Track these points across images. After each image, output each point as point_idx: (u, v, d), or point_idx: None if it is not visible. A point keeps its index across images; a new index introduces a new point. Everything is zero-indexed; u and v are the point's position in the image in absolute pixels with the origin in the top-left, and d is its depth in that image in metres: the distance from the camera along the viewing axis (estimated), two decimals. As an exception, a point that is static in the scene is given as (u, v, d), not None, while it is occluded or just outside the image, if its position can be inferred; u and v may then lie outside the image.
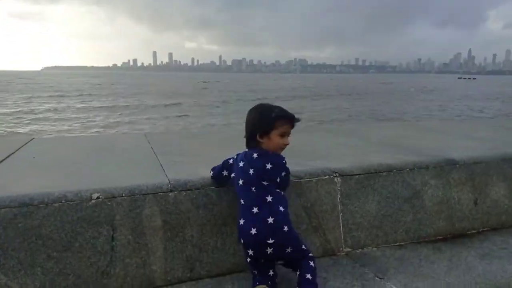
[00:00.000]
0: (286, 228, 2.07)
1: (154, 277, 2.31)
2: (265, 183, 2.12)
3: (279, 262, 2.17)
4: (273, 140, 2.18)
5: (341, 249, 2.73)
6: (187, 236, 2.38)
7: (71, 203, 2.17)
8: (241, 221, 2.11)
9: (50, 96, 43.30)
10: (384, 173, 2.90)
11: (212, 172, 2.45)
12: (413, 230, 2.94)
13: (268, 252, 2.05)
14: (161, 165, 2.83)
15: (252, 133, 2.20)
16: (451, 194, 3.08)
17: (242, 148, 2.31)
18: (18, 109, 29.24)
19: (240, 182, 2.18)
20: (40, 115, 26.39)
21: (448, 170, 3.09)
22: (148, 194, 2.31)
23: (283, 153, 2.29)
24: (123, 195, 2.26)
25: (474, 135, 4.58)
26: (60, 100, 38.05)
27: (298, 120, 2.26)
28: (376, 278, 2.38)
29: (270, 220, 2.04)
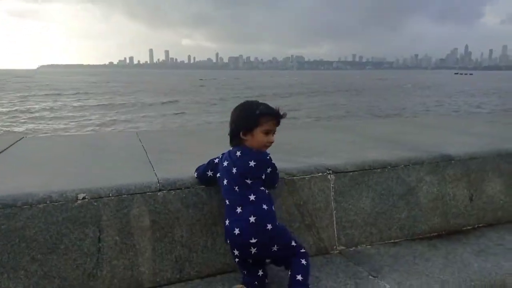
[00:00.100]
0: (269, 226, 2.00)
1: (142, 279, 2.26)
2: (248, 181, 2.07)
3: (267, 261, 2.10)
4: (256, 137, 2.11)
5: (334, 247, 2.68)
6: (176, 236, 2.32)
7: (56, 203, 2.11)
8: (227, 222, 2.07)
9: (46, 94, 43.07)
10: (379, 170, 2.85)
11: (196, 173, 2.39)
12: (408, 227, 2.89)
13: (252, 252, 2.00)
14: (151, 163, 2.77)
15: (235, 130, 2.15)
16: (446, 190, 3.04)
17: None
18: (14, 108, 29.08)
19: (225, 182, 2.13)
20: (36, 114, 26.25)
21: (444, 166, 3.05)
22: (136, 193, 2.25)
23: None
24: (110, 195, 2.20)
25: (470, 130, 4.54)
26: (56, 99, 37.86)
27: (283, 116, 2.18)
28: (370, 277, 2.33)
29: (252, 219, 1.99)
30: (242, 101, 2.27)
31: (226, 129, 2.22)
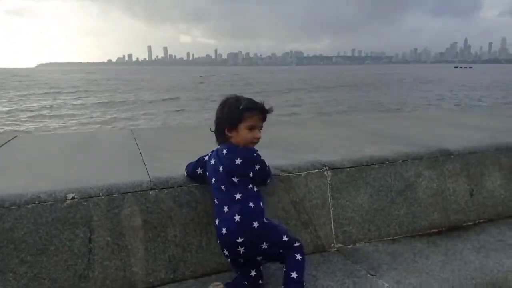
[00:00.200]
0: (255, 224, 1.94)
1: (135, 280, 2.21)
2: (235, 179, 2.01)
3: (258, 258, 2.03)
4: (241, 133, 2.04)
5: (332, 245, 2.63)
6: (169, 236, 2.27)
7: (45, 204, 2.06)
8: (216, 222, 2.02)
9: (46, 93, 42.98)
10: (376, 165, 2.79)
11: (186, 170, 2.34)
12: (407, 223, 2.84)
13: (241, 252, 1.95)
14: (143, 162, 2.72)
15: (220, 127, 2.09)
16: (445, 186, 2.98)
17: None
18: (14, 107, 29.01)
19: (213, 180, 2.08)
20: (36, 113, 26.18)
21: (443, 160, 2.99)
22: (127, 193, 2.20)
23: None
24: (100, 194, 2.15)
25: (469, 124, 4.47)
26: (56, 97, 37.76)
27: (268, 111, 2.10)
28: (368, 275, 2.28)
29: (237, 218, 1.94)
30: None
31: None
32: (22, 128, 19.90)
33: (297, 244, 2.03)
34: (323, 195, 2.62)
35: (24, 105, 30.42)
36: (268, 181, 2.27)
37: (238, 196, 1.98)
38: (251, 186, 2.03)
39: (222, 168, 2.04)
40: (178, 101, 32.66)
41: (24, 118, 23.69)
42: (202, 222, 2.33)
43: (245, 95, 2.20)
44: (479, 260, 2.44)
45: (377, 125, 4.60)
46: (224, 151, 2.06)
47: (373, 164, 2.78)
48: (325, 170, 2.64)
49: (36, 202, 2.05)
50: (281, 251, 1.99)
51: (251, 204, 1.97)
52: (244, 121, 2.02)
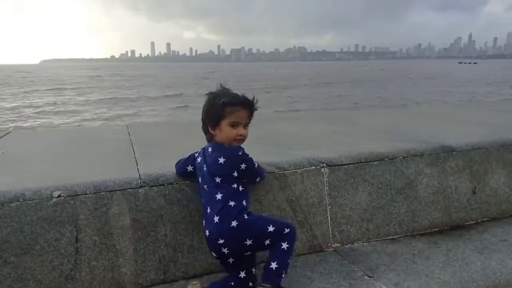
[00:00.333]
0: (234, 224, 1.85)
1: (124, 281, 2.14)
2: (217, 180, 1.93)
3: (247, 254, 1.93)
4: (224, 131, 1.95)
5: (329, 244, 2.55)
6: (159, 236, 2.20)
7: (30, 202, 1.99)
8: (203, 222, 1.95)
9: (50, 89, 43.02)
10: (376, 162, 2.70)
11: (175, 167, 2.26)
12: (407, 222, 2.75)
13: (226, 252, 1.88)
14: (135, 158, 2.64)
15: (205, 125, 2.01)
16: (447, 183, 2.89)
17: None
18: (18, 103, 29.04)
19: (199, 180, 2.01)
20: (41, 109, 26.18)
21: (445, 157, 2.89)
22: (115, 190, 2.12)
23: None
24: (87, 192, 2.08)
25: (473, 119, 4.37)
26: (60, 93, 37.81)
27: (251, 105, 1.98)
28: (365, 277, 2.20)
29: (216, 219, 1.86)
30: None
31: None
32: (26, 125, 19.90)
33: (286, 230, 1.89)
34: (319, 193, 2.53)
35: (28, 101, 30.46)
36: (258, 180, 2.18)
37: (219, 196, 1.90)
38: (235, 185, 1.93)
39: (205, 167, 1.97)
40: (181, 97, 32.59)
41: (29, 114, 23.71)
42: (194, 221, 2.25)
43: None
44: (481, 261, 2.35)
45: (377, 120, 4.50)
46: (209, 149, 1.99)
47: (372, 161, 2.68)
48: (322, 167, 2.56)
49: (21, 200, 1.98)
50: (268, 242, 1.87)
51: (231, 203, 1.89)
52: (226, 117, 1.93)
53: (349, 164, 2.63)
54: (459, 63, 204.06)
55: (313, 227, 2.51)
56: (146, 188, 2.17)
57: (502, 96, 29.51)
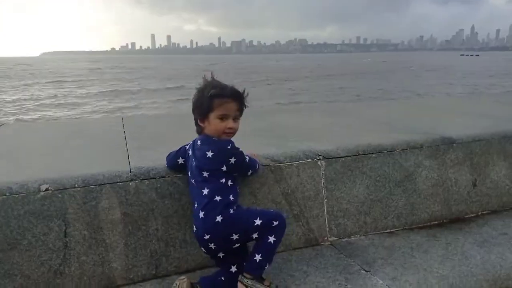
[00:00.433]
0: (219, 219, 1.80)
1: (114, 276, 2.09)
2: (205, 174, 1.87)
3: (235, 247, 1.86)
4: (212, 124, 1.88)
5: (325, 238, 2.49)
6: (151, 230, 2.15)
7: (17, 196, 1.94)
8: (193, 219, 1.90)
9: (51, 82, 42.91)
10: (374, 155, 2.64)
11: (167, 160, 2.20)
12: (405, 215, 2.69)
13: (213, 248, 1.84)
14: (127, 151, 2.58)
15: (194, 117, 1.95)
16: (447, 176, 2.82)
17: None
18: (19, 96, 28.97)
19: (188, 173, 1.95)
20: (41, 102, 26.11)
21: (444, 149, 2.83)
22: (105, 184, 2.07)
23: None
24: (76, 185, 2.02)
25: (474, 111, 4.30)
26: (60, 86, 37.72)
27: (240, 97, 1.91)
28: (362, 271, 2.14)
29: (201, 214, 1.82)
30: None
31: None
32: (26, 117, 19.85)
33: (275, 223, 1.83)
34: (316, 186, 2.48)
35: (28, 94, 30.39)
36: (250, 173, 2.12)
37: (205, 191, 1.85)
38: (223, 180, 1.87)
39: (194, 161, 1.92)
40: (182, 90, 32.47)
41: (30, 106, 23.65)
42: (186, 215, 2.19)
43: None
44: (481, 255, 2.30)
45: (377, 112, 4.43)
46: (199, 142, 1.93)
47: (370, 153, 2.62)
48: (318, 159, 2.50)
49: (7, 194, 1.93)
50: (256, 236, 1.82)
51: (217, 198, 1.83)
52: (214, 110, 1.86)
53: (347, 156, 2.57)
54: (461, 55, 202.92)
55: (309, 221, 2.46)
56: (136, 181, 2.12)
57: (505, 88, 29.28)
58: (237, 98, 1.89)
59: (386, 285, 2.00)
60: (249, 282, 1.80)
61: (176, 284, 1.84)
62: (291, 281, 2.05)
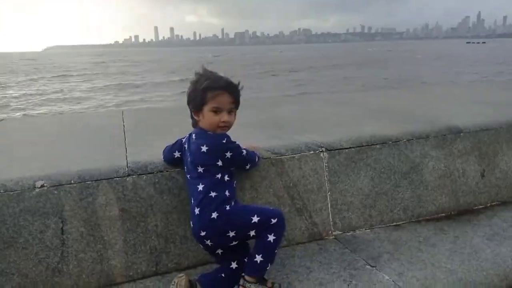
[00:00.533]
0: (214, 215, 1.74)
1: (113, 273, 2.05)
2: (200, 169, 1.81)
3: (232, 244, 1.81)
4: (206, 117, 1.82)
5: (329, 232, 2.43)
6: (150, 226, 2.10)
7: (12, 193, 1.90)
8: (190, 215, 1.85)
9: (56, 76, 42.95)
10: (378, 146, 2.56)
11: (163, 154, 2.14)
12: (412, 208, 2.62)
13: (209, 244, 1.79)
14: (125, 145, 2.52)
15: (189, 110, 1.89)
16: (455, 166, 2.75)
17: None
18: (24, 91, 29.03)
19: (185, 168, 1.90)
20: (47, 96, 26.15)
21: (452, 139, 2.75)
22: (101, 179, 2.01)
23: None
24: (72, 182, 1.97)
25: (482, 99, 4.19)
26: (66, 80, 37.74)
27: (234, 89, 1.84)
28: (367, 266, 2.08)
29: (197, 211, 1.77)
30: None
31: None
32: (33, 113, 19.87)
33: (273, 221, 1.77)
34: (319, 178, 2.41)
35: (34, 89, 30.45)
36: (249, 167, 2.05)
37: (200, 187, 1.79)
38: (219, 175, 1.81)
39: (189, 155, 1.86)
40: (187, 82, 32.30)
41: (37, 101, 23.69)
42: (186, 210, 2.13)
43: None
44: (491, 249, 2.23)
45: (380, 101, 4.35)
46: (194, 136, 1.88)
47: (374, 144, 2.55)
48: (321, 151, 2.43)
49: (2, 191, 1.89)
50: (253, 233, 1.77)
51: (212, 194, 1.77)
52: (208, 102, 1.79)
53: (350, 148, 2.50)
54: (467, 43, 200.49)
55: (313, 214, 2.40)
56: (134, 176, 2.06)
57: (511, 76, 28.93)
58: (231, 90, 1.82)
59: (393, 281, 1.95)
60: (252, 287, 1.74)
61: (174, 281, 1.79)
62: (294, 277, 2.00)
